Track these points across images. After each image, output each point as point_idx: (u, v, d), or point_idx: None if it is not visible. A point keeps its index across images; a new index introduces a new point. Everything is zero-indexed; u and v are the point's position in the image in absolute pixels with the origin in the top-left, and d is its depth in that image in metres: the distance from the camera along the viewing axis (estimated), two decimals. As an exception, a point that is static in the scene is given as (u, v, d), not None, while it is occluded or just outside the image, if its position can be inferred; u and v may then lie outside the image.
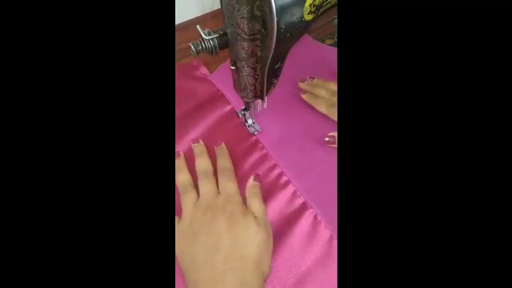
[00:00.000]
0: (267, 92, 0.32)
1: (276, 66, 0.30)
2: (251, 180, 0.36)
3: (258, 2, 0.23)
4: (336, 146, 0.39)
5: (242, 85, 0.32)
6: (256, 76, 0.30)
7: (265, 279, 0.30)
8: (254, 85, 0.31)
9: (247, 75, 0.30)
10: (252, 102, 0.36)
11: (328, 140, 0.39)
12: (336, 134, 0.39)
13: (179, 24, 0.56)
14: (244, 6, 0.23)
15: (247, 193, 0.35)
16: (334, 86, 0.43)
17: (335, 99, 0.41)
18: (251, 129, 0.41)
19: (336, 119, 0.41)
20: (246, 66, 0.29)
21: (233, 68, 0.30)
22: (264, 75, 0.29)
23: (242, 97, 0.34)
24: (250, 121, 0.41)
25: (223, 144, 0.39)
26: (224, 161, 0.37)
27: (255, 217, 0.32)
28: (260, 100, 0.36)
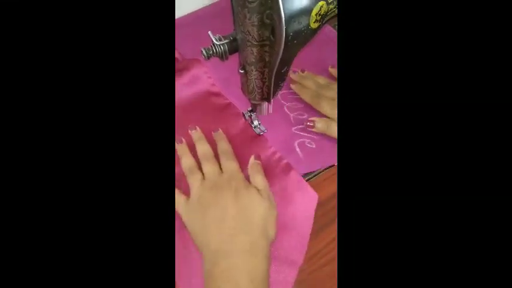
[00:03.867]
0: (274, 94, 0.34)
1: (283, 71, 0.31)
2: (252, 159, 0.39)
3: (268, 11, 0.24)
4: (315, 130, 0.43)
5: (250, 88, 0.34)
6: (263, 79, 0.32)
7: (270, 244, 0.33)
8: (261, 88, 0.33)
9: (255, 78, 0.32)
10: (258, 104, 0.38)
11: (308, 125, 0.43)
12: (315, 119, 0.43)
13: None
14: (255, 15, 0.25)
15: (250, 171, 0.38)
16: (321, 80, 0.47)
17: (320, 90, 0.45)
18: (257, 130, 0.43)
19: (318, 108, 0.44)
20: (254, 70, 0.31)
21: (242, 71, 0.32)
22: (272, 79, 0.31)
23: (250, 99, 0.36)
24: (256, 122, 0.43)
25: (220, 130, 0.42)
26: (224, 144, 0.40)
27: (258, 190, 0.35)
28: (266, 106, 0.38)
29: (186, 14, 0.59)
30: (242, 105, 0.45)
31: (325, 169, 0.42)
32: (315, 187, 0.40)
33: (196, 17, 0.59)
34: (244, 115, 0.43)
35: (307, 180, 0.40)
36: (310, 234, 0.36)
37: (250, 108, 0.42)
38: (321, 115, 0.44)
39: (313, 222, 0.37)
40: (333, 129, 0.41)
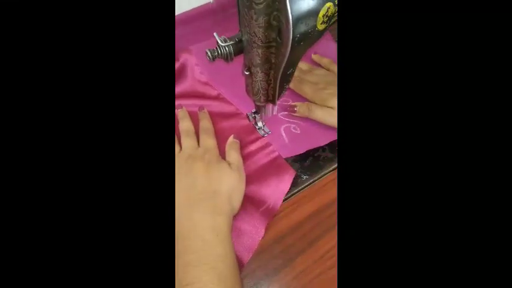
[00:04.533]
0: (279, 96, 0.34)
1: (288, 72, 0.31)
2: (231, 138, 0.41)
3: (275, 13, 0.24)
4: (298, 114, 0.44)
5: (255, 89, 0.33)
6: (269, 81, 0.32)
7: (234, 214, 0.35)
8: (266, 90, 0.33)
9: (260, 80, 0.32)
10: (263, 106, 0.37)
11: (290, 109, 0.44)
12: (297, 103, 0.44)
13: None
14: (262, 16, 0.25)
15: (227, 147, 0.40)
16: (303, 65, 0.49)
17: (303, 75, 0.47)
18: (261, 132, 0.42)
19: (301, 93, 0.46)
20: (260, 72, 0.31)
21: (247, 73, 0.32)
22: (277, 81, 0.31)
23: (254, 101, 0.36)
24: (260, 124, 0.42)
25: (205, 109, 0.44)
26: (206, 123, 0.42)
27: (230, 164, 0.37)
28: (271, 107, 0.38)
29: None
30: (245, 106, 0.45)
31: (329, 172, 0.41)
32: (321, 188, 0.40)
33: (195, 14, 0.59)
34: (248, 117, 0.43)
35: (310, 183, 0.40)
36: (315, 238, 0.36)
37: (254, 110, 0.41)
38: (305, 100, 0.45)
39: (319, 225, 0.37)
40: (315, 112, 0.42)
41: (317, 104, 0.43)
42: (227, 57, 0.31)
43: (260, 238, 0.35)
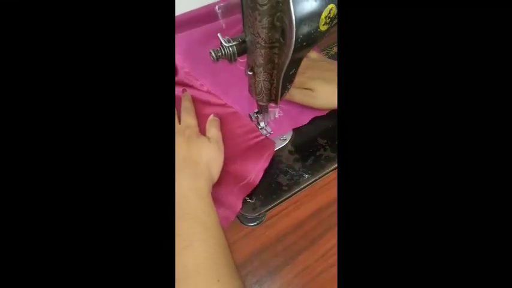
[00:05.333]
0: (281, 96, 0.34)
1: (291, 72, 0.32)
2: (211, 116, 0.43)
3: (278, 14, 0.25)
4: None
5: (258, 89, 0.34)
6: (272, 81, 0.32)
7: (213, 183, 0.37)
8: (269, 89, 0.34)
9: (263, 80, 0.32)
10: (265, 106, 0.38)
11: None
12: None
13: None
14: (265, 17, 0.25)
15: (207, 124, 0.42)
16: None
17: None
18: (263, 131, 0.43)
19: None
20: (263, 72, 0.31)
21: (250, 73, 0.33)
22: (280, 81, 0.31)
23: (257, 101, 0.36)
24: (262, 124, 0.43)
25: (187, 92, 0.47)
26: (187, 103, 0.45)
27: (209, 138, 0.39)
28: (273, 110, 0.39)
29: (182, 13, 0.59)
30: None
31: (330, 171, 0.42)
32: (322, 187, 0.41)
33: (192, 16, 0.59)
34: (251, 116, 0.43)
35: (312, 182, 0.41)
36: (317, 236, 0.37)
37: (256, 110, 0.42)
38: None
39: (320, 224, 0.37)
40: (294, 95, 0.45)
41: (296, 87, 0.45)
42: (231, 58, 0.31)
43: (238, 209, 0.37)
